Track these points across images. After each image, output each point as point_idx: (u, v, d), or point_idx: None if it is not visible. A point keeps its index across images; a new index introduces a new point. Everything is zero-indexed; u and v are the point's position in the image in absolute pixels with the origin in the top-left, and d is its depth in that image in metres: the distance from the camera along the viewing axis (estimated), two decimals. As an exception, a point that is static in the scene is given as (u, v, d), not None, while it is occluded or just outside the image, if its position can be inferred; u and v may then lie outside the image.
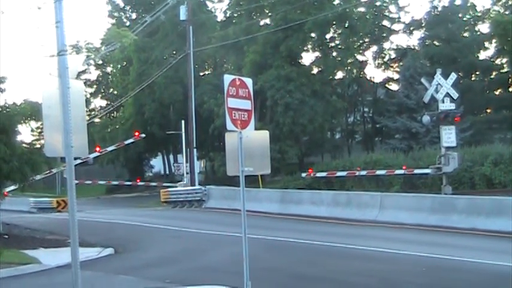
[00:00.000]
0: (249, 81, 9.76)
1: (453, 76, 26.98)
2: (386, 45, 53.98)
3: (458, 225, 18.35)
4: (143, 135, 40.19)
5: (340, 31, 47.06)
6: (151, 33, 48.11)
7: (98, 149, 40.70)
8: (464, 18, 51.47)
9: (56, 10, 7.26)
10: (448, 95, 26.53)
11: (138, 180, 48.94)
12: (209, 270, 12.96)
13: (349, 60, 48.51)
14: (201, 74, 53.56)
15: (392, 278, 11.46)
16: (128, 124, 53.69)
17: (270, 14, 45.39)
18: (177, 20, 39.64)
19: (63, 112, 7.01)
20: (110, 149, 42.87)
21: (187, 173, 38.31)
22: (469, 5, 51.22)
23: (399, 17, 52.59)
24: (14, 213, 31.52)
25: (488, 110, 50.36)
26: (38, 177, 34.99)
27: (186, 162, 39.29)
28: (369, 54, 54.08)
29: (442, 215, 19.39)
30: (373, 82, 55.20)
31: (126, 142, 42.13)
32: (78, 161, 36.07)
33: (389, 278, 11.45)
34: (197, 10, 45.29)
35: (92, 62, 62.07)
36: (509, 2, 47.22)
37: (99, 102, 68.97)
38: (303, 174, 38.01)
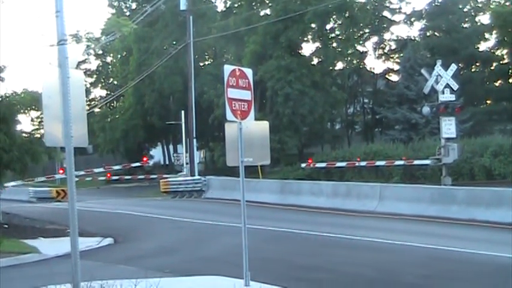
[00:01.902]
0: (249, 72, 9.74)
1: (453, 67, 26.94)
2: (386, 36, 53.99)
3: (458, 216, 18.37)
4: (150, 161, 41.78)
5: (340, 22, 46.99)
6: (151, 23, 48.00)
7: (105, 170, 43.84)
8: (465, 9, 51.38)
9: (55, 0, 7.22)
10: (448, 86, 26.50)
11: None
12: (209, 260, 12.98)
13: (349, 51, 48.48)
14: (201, 64, 53.47)
15: (391, 269, 11.47)
16: (127, 114, 53.80)
17: (270, 4, 45.30)
18: (177, 10, 39.46)
19: (63, 102, 7.00)
20: (116, 167, 44.59)
21: (187, 163, 38.33)
22: (469, -5, 51.14)
23: (400, 8, 52.55)
24: (14, 202, 31.53)
25: (488, 101, 50.30)
26: (40, 179, 35.39)
27: (186, 152, 39.31)
28: (369, 45, 54.11)
29: (442, 206, 19.39)
30: (373, 73, 55.14)
31: (133, 165, 43.80)
32: (82, 172, 37.69)
33: (389, 269, 11.47)
34: (197, 0, 45.13)
35: (91, 51, 62.13)
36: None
37: (99, 92, 68.97)
38: (303, 165, 38.10)
